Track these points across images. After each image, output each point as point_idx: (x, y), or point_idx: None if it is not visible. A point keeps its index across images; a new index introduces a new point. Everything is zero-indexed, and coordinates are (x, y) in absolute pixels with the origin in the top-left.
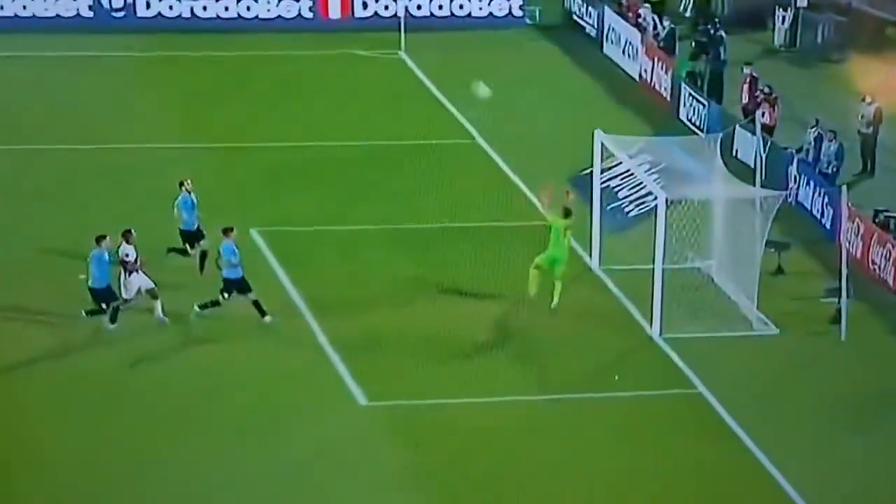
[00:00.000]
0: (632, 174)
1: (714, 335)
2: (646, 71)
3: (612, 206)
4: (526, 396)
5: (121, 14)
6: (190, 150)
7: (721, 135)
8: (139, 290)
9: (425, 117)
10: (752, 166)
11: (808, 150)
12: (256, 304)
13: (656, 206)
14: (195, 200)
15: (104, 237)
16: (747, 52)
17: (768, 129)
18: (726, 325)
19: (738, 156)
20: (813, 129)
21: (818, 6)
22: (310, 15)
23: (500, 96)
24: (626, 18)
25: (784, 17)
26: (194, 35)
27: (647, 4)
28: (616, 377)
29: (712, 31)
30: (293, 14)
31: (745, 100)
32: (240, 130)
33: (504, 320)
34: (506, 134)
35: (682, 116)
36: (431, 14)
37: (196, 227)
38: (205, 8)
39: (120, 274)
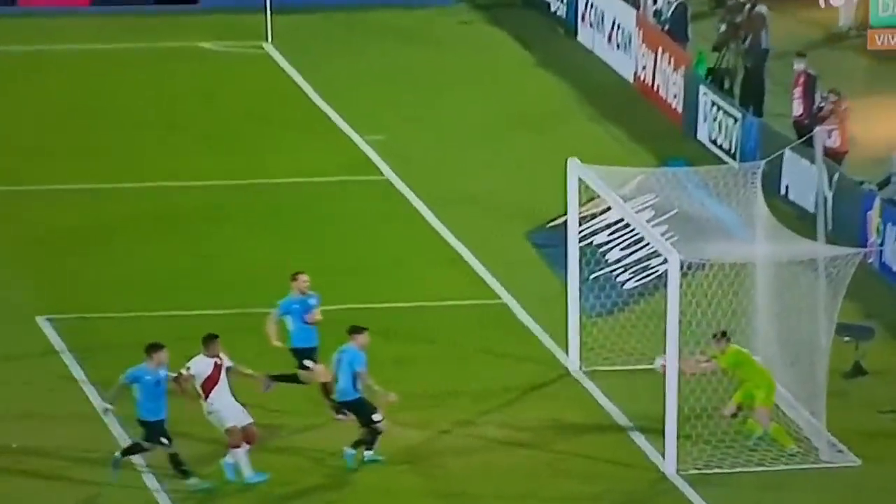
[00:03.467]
0: (627, 225)
1: (760, 470)
2: (644, 68)
3: (598, 273)
4: None
5: None
6: None
7: (763, 164)
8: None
9: (307, 143)
10: (813, 211)
11: None
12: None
13: (666, 273)
14: (313, 304)
15: (160, 347)
16: (800, 38)
17: (836, 156)
18: (778, 454)
19: (790, 195)
20: None
21: None
22: None
23: (420, 109)
24: None
25: None
26: None
27: None
28: None
29: (746, 7)
30: None
31: (798, 111)
32: (11, 167)
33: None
34: (430, 167)
35: (703, 136)
36: None
37: (316, 343)
38: None
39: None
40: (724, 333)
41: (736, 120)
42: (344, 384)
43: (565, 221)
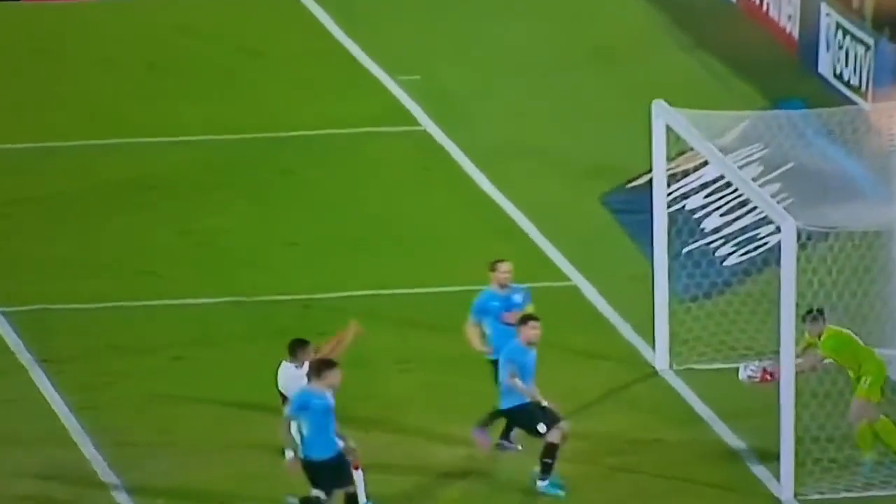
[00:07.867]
0: (728, 184)
1: None
2: None
3: (691, 247)
4: None
5: None
6: None
7: None
8: None
9: (326, 87)
10: None
11: None
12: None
13: (779, 245)
14: (518, 302)
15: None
16: None
17: None
18: None
19: None
20: None
21: None
22: None
23: (465, 43)
24: None
25: None
26: None
27: None
28: None
29: None
30: None
31: None
32: None
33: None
34: (478, 114)
35: (824, 69)
36: None
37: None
38: None
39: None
40: (820, 311)
41: (867, 47)
42: (503, 388)
43: (650, 181)
